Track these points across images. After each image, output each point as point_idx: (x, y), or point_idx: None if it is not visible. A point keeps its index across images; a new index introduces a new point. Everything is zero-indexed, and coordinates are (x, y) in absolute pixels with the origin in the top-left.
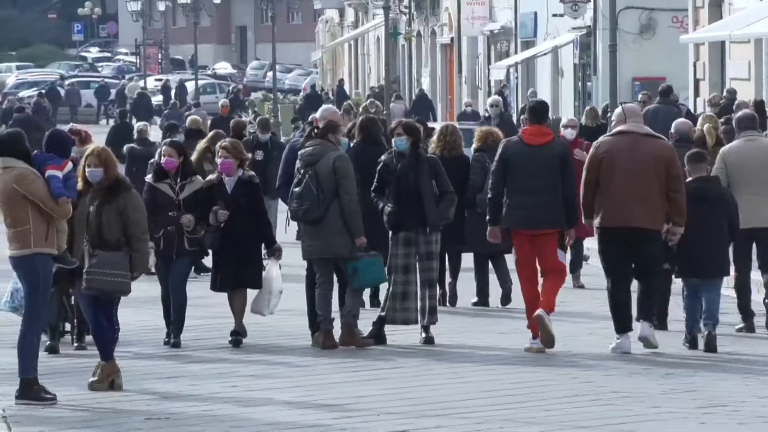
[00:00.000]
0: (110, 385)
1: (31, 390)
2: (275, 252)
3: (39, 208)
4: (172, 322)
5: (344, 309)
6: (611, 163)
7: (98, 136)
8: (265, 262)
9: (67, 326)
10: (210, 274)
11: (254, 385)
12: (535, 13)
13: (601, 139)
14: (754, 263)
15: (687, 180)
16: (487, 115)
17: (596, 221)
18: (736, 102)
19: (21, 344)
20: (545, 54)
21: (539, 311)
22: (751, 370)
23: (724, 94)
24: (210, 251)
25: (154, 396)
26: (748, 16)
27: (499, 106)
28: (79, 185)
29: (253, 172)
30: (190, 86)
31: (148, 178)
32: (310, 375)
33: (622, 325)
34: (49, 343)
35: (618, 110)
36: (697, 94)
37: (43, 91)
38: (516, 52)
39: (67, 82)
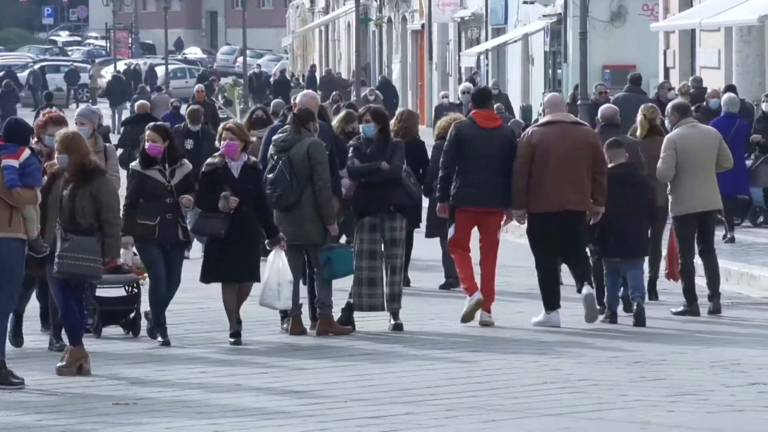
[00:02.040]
0: (78, 370)
1: None
2: (279, 242)
3: None
4: (157, 321)
5: (317, 300)
6: (545, 151)
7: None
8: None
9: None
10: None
11: (222, 371)
12: (506, 0)
13: (531, 128)
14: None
15: (610, 165)
16: (459, 102)
17: (531, 207)
18: (708, 91)
19: None
20: (516, 41)
21: (478, 295)
22: (720, 359)
23: (690, 82)
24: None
25: (123, 381)
26: (719, 5)
27: (470, 93)
28: (55, 168)
29: (256, 158)
30: (159, 71)
31: (134, 164)
32: (278, 361)
33: (553, 302)
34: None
35: (544, 100)
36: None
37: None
38: (486, 39)
39: (37, 65)
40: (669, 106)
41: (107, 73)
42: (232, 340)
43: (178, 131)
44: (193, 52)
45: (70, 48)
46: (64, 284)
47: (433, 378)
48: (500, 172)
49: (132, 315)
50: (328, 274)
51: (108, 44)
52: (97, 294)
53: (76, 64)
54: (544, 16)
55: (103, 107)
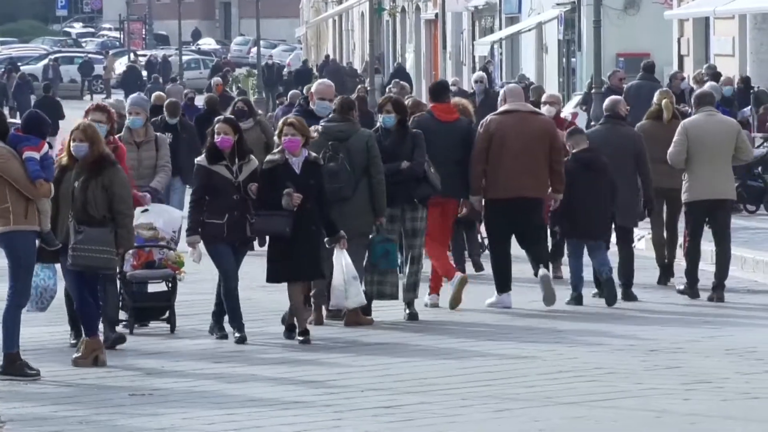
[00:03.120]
0: (94, 361)
1: (14, 365)
2: (340, 240)
3: (16, 187)
4: (234, 316)
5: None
6: (502, 139)
7: (79, 111)
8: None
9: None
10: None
11: (238, 362)
12: None
13: (489, 117)
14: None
15: (574, 151)
16: (472, 91)
17: (488, 193)
18: (722, 78)
19: (5, 319)
20: (530, 30)
21: (459, 275)
22: (735, 346)
23: (704, 70)
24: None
25: (138, 372)
26: None
27: (483, 82)
28: (65, 160)
29: (316, 153)
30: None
31: (200, 159)
32: (294, 351)
33: (505, 285)
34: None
35: (501, 91)
36: (681, 70)
37: (9, 67)
38: (500, 28)
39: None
40: (693, 95)
41: (121, 64)
42: (300, 338)
43: (156, 124)
44: (207, 42)
45: (84, 39)
46: (79, 276)
47: (447, 367)
48: (457, 163)
49: (168, 311)
50: (384, 265)
51: (122, 35)
52: (132, 290)
53: (90, 55)
54: (557, 4)
55: (118, 98)
